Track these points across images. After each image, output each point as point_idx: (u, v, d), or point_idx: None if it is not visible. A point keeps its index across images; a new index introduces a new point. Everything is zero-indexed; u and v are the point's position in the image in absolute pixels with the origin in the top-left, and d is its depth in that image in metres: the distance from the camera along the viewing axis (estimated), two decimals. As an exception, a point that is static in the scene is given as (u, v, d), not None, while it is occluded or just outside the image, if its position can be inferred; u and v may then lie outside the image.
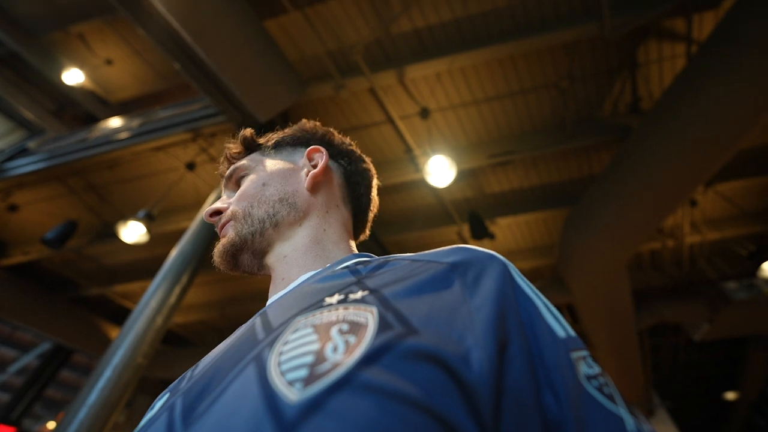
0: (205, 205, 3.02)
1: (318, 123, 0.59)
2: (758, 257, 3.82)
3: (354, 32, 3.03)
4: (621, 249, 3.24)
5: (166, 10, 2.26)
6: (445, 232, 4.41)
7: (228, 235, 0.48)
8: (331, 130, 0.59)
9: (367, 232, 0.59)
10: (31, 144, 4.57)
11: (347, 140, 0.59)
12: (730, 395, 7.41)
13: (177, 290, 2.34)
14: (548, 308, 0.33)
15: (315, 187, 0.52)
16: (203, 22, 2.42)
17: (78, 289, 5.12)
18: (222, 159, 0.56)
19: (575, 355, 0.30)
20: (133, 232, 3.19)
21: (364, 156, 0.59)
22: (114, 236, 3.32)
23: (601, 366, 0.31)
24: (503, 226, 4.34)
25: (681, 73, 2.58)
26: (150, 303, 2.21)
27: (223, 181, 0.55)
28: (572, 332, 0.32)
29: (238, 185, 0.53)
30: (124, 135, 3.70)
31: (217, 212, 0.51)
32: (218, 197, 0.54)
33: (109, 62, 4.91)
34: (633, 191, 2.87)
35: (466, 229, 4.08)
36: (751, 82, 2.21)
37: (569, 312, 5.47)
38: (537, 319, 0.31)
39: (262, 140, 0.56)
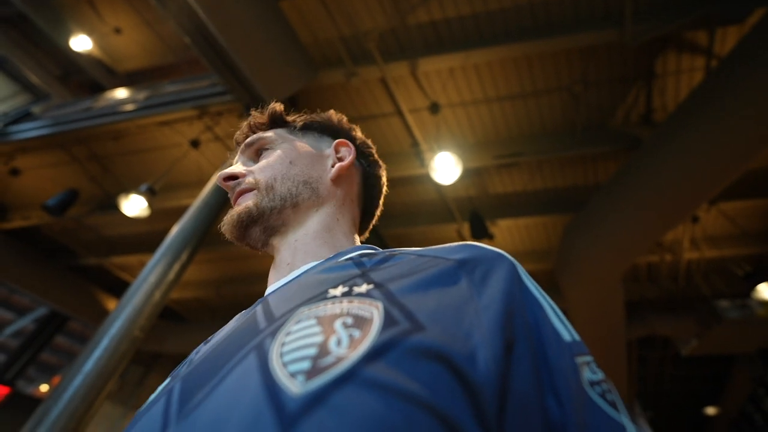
0: (209, 183, 3.01)
1: (345, 118, 0.59)
2: (754, 278, 3.83)
3: (370, 19, 2.97)
4: (620, 260, 3.25)
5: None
6: (445, 230, 4.42)
7: (246, 204, 0.46)
8: (355, 127, 0.60)
9: (367, 234, 0.60)
10: (36, 109, 4.53)
11: (368, 141, 0.60)
12: (711, 410, 7.53)
13: (176, 267, 2.35)
14: (554, 311, 0.32)
15: (338, 179, 0.52)
16: (217, -3, 2.37)
17: (76, 258, 5.14)
18: (243, 125, 0.56)
19: (580, 360, 0.29)
20: (134, 205, 3.19)
21: (380, 161, 0.60)
22: (115, 208, 3.31)
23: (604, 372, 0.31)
24: (503, 228, 4.34)
25: (698, 87, 2.55)
26: (149, 278, 2.22)
27: (240, 147, 0.54)
28: (577, 336, 0.31)
29: (257, 155, 0.52)
30: (130, 107, 3.66)
31: (233, 177, 0.49)
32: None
33: (117, 31, 4.83)
34: (637, 203, 2.86)
35: (466, 228, 4.08)
36: (767, 103, 2.19)
37: (561, 317, 5.51)
38: (543, 321, 0.30)
39: (289, 119, 0.56)
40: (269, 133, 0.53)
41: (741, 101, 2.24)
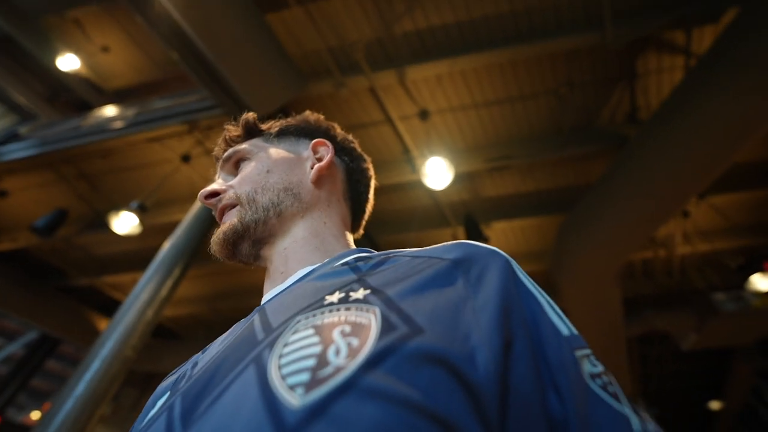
0: (198, 197, 2.98)
1: (321, 116, 0.58)
2: (747, 270, 3.87)
3: (356, 30, 3.01)
4: (614, 257, 3.27)
5: (167, 0, 2.23)
6: (440, 235, 4.42)
7: (231, 222, 0.46)
8: (334, 125, 0.58)
9: (361, 231, 0.59)
10: (23, 129, 4.49)
11: (349, 137, 0.59)
12: (715, 405, 7.52)
13: (169, 283, 2.31)
14: (551, 305, 0.32)
15: (319, 180, 0.51)
16: (204, 12, 2.39)
17: (66, 279, 5.04)
18: (220, 140, 0.55)
19: (579, 353, 0.29)
20: (124, 222, 3.15)
21: (364, 155, 0.59)
22: (105, 226, 3.27)
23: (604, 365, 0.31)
24: (498, 231, 4.36)
25: (679, 85, 2.61)
26: (141, 295, 2.18)
27: (219, 163, 0.53)
28: (575, 330, 0.31)
29: (235, 169, 0.52)
30: (118, 124, 3.64)
31: (215, 194, 0.49)
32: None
33: (105, 49, 4.83)
34: (627, 201, 2.89)
35: (461, 232, 4.09)
36: (746, 98, 2.24)
37: (560, 317, 5.51)
38: (540, 317, 0.30)
39: (264, 126, 0.55)
40: (244, 145, 0.52)
41: (721, 97, 2.29)
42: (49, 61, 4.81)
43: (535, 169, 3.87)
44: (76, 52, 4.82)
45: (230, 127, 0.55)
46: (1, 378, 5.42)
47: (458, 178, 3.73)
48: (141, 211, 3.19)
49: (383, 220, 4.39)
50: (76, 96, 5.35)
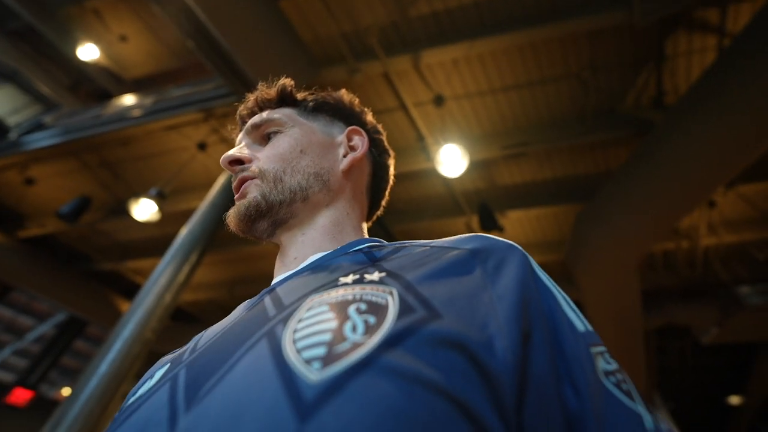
0: (216, 184, 3.03)
1: (356, 99, 0.55)
2: (776, 262, 3.70)
3: (370, 14, 2.94)
4: (634, 248, 3.17)
5: (181, -14, 2.22)
6: (454, 223, 4.38)
7: (252, 196, 0.43)
8: (367, 110, 0.56)
9: (370, 224, 0.58)
10: (47, 119, 4.63)
11: (379, 127, 0.57)
12: (734, 400, 7.34)
13: (186, 269, 2.37)
14: (567, 301, 0.32)
15: (350, 170, 0.49)
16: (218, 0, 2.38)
17: (92, 263, 5.26)
18: (250, 99, 0.51)
19: (594, 349, 0.29)
20: (144, 209, 3.23)
21: (389, 149, 0.57)
22: (127, 213, 3.37)
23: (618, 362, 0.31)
24: (513, 220, 4.29)
25: (710, 67, 2.46)
26: (159, 280, 2.25)
27: (245, 128, 0.49)
28: (590, 327, 0.31)
29: (264, 139, 0.49)
30: (137, 112, 3.71)
31: (239, 161, 0.46)
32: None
33: (123, 39, 4.90)
34: (651, 189, 2.78)
35: (475, 221, 4.04)
36: (786, 79, 2.09)
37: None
38: (557, 311, 0.30)
39: (299, 95, 0.52)
40: (277, 114, 0.49)
41: (757, 79, 2.15)
42: (71, 51, 4.92)
43: (553, 156, 3.76)
44: (96, 41, 4.91)
45: (264, 88, 0.51)
46: (34, 356, 5.74)
47: (473, 166, 3.67)
48: (160, 198, 3.27)
49: (397, 208, 4.37)
50: (97, 85, 5.48)
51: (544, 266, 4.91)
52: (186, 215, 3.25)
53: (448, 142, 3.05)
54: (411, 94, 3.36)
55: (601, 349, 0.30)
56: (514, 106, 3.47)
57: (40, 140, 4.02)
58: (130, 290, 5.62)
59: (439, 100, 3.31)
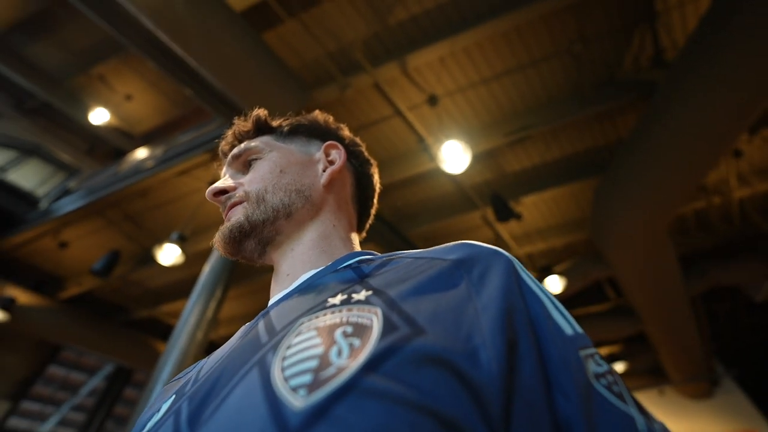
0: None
1: (331, 117, 0.57)
2: (822, 204, 3.45)
3: (351, 30, 3.01)
4: (660, 213, 3.03)
5: (169, 39, 2.35)
6: (470, 218, 4.32)
7: (235, 218, 0.45)
8: (343, 126, 0.58)
9: (364, 234, 0.58)
10: (71, 184, 4.93)
11: (357, 140, 0.59)
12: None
13: (213, 305, 2.44)
14: (554, 305, 0.32)
15: (331, 183, 0.51)
16: (204, 45, 2.49)
17: (129, 313, 5.48)
18: (228, 135, 0.53)
19: (583, 353, 0.29)
20: (169, 254, 3.36)
21: (370, 159, 0.59)
22: (153, 260, 3.51)
23: (609, 364, 0.31)
24: (529, 205, 4.19)
25: (706, 13, 2.36)
26: (189, 319, 2.32)
27: (227, 159, 0.51)
28: (579, 329, 0.31)
29: (245, 167, 0.50)
30: (150, 164, 3.90)
31: (223, 191, 0.47)
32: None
33: (128, 98, 5.18)
34: (666, 150, 2.67)
35: (490, 213, 3.98)
36: (789, 12, 1.99)
37: (612, 286, 5.21)
38: (544, 317, 0.30)
39: (274, 123, 0.54)
40: (255, 142, 0.50)
41: (759, 11, 2.04)
42: (83, 118, 5.24)
43: (559, 134, 3.68)
44: (105, 104, 5.21)
45: (240, 121, 0.53)
46: (89, 410, 5.98)
47: (479, 158, 3.63)
48: (181, 240, 3.40)
49: (410, 213, 4.37)
50: (111, 145, 5.79)
51: (569, 247, 4.79)
52: (207, 253, 3.36)
53: (449, 139, 3.04)
54: (404, 99, 3.38)
55: (591, 351, 0.30)
56: (509, 93, 3.43)
57: (68, 205, 4.27)
58: (167, 333, 5.80)
59: (432, 100, 3.32)
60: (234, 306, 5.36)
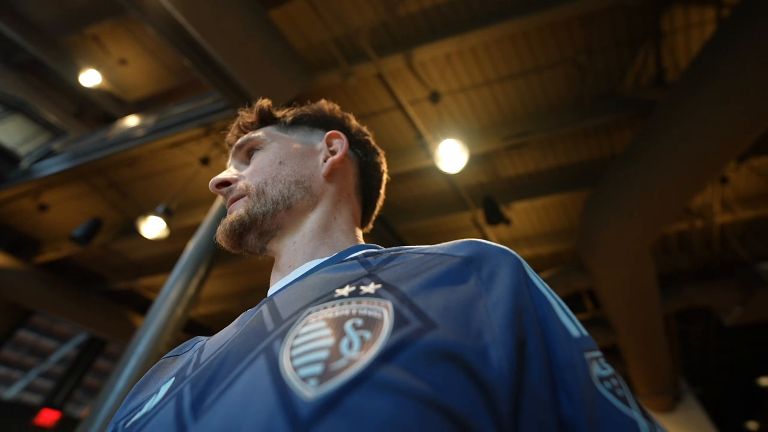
0: (220, 198, 3.07)
1: (337, 106, 0.57)
2: (797, 236, 3.58)
3: (359, 16, 2.96)
4: (645, 231, 3.10)
5: (172, 6, 2.27)
6: (460, 219, 4.35)
7: (237, 212, 0.45)
8: (349, 115, 0.57)
9: (370, 225, 0.58)
10: (56, 145, 4.76)
11: (364, 129, 0.58)
12: (765, 381, 7.10)
13: (195, 282, 2.40)
14: (561, 306, 0.32)
15: (332, 174, 0.50)
16: (208, 16, 2.42)
17: (107, 283, 5.37)
18: (233, 127, 0.54)
19: (589, 355, 0.29)
20: (153, 227, 3.29)
21: (378, 148, 0.58)
22: (137, 232, 3.43)
23: (612, 367, 0.31)
24: (519, 211, 4.24)
25: (710, 39, 2.40)
26: (170, 295, 2.28)
27: (232, 150, 0.52)
28: (585, 332, 0.31)
29: (248, 157, 0.51)
30: (140, 132, 3.79)
31: (225, 183, 0.48)
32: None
33: (123, 62, 5.01)
34: (658, 170, 2.72)
35: (480, 215, 4.00)
36: (790, 45, 2.03)
37: (591, 297, 5.33)
38: (551, 317, 0.30)
39: (278, 113, 0.54)
40: (258, 133, 0.51)
41: (759, 47, 2.09)
42: (74, 79, 5.06)
43: (555, 143, 3.71)
44: (97, 67, 5.04)
45: (244, 113, 0.54)
46: (59, 377, 5.87)
47: (475, 160, 3.64)
48: (167, 215, 3.33)
49: (401, 208, 4.36)
50: (101, 109, 5.62)
51: (554, 256, 4.87)
52: (193, 230, 3.30)
53: (447, 137, 3.04)
54: (406, 93, 3.35)
55: (596, 354, 0.30)
56: (511, 97, 3.43)
57: (51, 167, 4.13)
58: (145, 307, 5.72)
59: (435, 97, 3.30)
60: (216, 285, 5.29)
